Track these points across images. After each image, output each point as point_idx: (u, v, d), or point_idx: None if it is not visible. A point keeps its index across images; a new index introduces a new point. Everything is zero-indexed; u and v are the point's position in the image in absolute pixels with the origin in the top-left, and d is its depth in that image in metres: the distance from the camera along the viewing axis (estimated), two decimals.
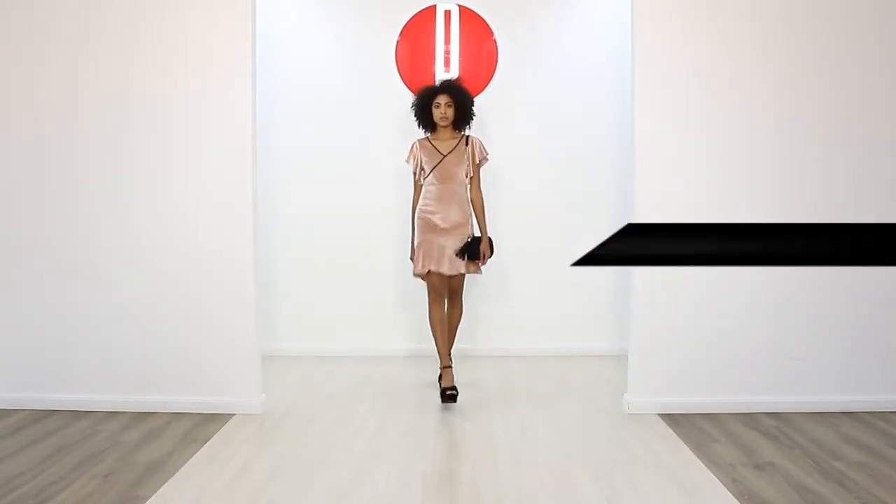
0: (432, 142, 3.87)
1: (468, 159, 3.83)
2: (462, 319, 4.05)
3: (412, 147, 3.90)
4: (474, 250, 3.80)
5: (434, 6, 4.67)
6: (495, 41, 4.68)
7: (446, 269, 3.77)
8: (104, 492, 2.55)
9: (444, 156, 3.81)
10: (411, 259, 3.88)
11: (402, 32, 4.68)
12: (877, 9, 3.41)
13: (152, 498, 2.51)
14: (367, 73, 4.72)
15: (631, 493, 2.57)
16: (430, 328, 3.86)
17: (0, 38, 3.46)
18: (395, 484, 2.66)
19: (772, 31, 3.41)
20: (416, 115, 3.89)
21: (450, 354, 3.86)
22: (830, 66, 3.42)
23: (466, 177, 3.84)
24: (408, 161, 3.91)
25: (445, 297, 3.90)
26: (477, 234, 3.87)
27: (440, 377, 3.75)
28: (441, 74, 4.62)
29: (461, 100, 3.83)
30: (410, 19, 4.67)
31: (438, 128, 3.85)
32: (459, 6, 4.66)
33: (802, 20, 3.41)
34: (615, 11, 4.59)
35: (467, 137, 3.87)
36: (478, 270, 3.87)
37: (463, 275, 3.85)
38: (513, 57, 4.68)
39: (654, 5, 3.40)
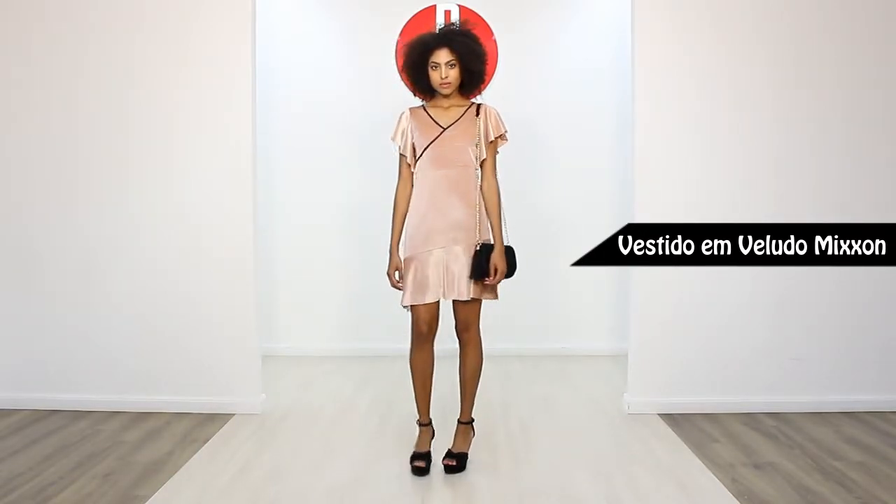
0: (429, 111, 2.80)
1: (480, 135, 2.76)
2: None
3: (400, 118, 2.83)
4: (480, 263, 2.72)
5: (434, 6, 4.67)
6: (495, 41, 4.67)
7: (451, 293, 2.73)
8: (104, 492, 2.55)
9: (444, 129, 2.76)
10: (389, 275, 2.90)
11: (402, 32, 4.68)
12: (875, 10, 3.41)
13: (152, 498, 2.51)
14: (367, 73, 4.72)
15: (631, 493, 2.57)
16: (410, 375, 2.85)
17: (3, 40, 3.46)
18: (395, 484, 2.66)
19: (771, 33, 3.41)
20: (408, 78, 2.83)
21: (470, 414, 2.88)
22: (829, 69, 3.42)
23: (478, 162, 2.78)
24: (394, 138, 2.84)
25: (434, 334, 2.79)
26: (488, 239, 2.80)
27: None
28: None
29: (467, 54, 2.72)
30: (410, 19, 4.67)
31: (438, 95, 2.79)
32: (459, 6, 4.66)
33: (801, 23, 3.41)
34: (615, 12, 4.58)
35: (478, 106, 2.81)
36: (490, 295, 2.77)
37: (475, 301, 2.75)
38: (513, 57, 4.67)
39: (655, 7, 3.40)
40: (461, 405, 2.88)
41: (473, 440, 2.91)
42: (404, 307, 2.80)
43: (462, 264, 2.72)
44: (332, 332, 4.72)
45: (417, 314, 2.75)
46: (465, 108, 2.79)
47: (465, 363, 2.83)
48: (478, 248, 2.74)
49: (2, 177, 3.50)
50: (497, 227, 2.79)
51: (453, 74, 2.71)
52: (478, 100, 2.86)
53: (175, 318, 3.47)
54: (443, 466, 2.77)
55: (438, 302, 2.75)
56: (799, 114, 3.43)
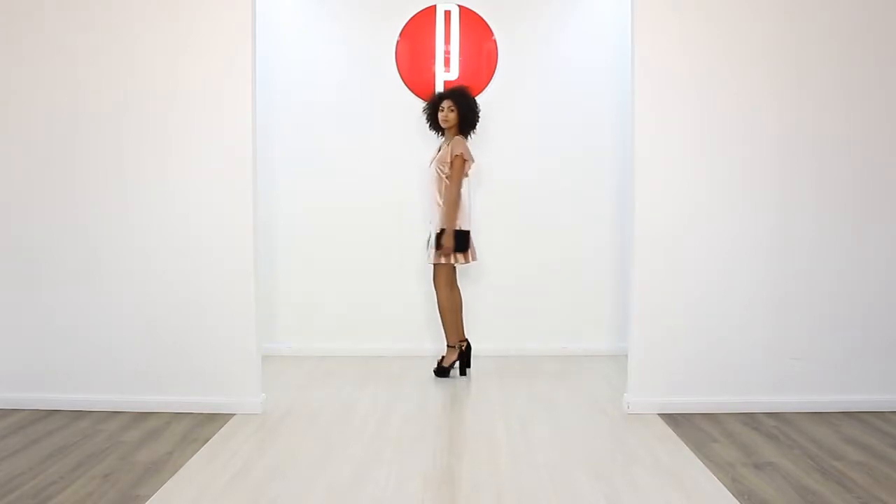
0: (442, 144, 4.22)
1: (446, 159, 4.09)
2: (457, 313, 4.24)
3: None
4: (437, 242, 4.07)
5: (434, 6, 4.67)
6: (495, 41, 4.68)
7: (427, 259, 4.22)
8: (104, 492, 2.55)
9: (435, 155, 4.18)
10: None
11: (402, 32, 4.68)
12: (875, 11, 3.42)
13: (152, 498, 2.51)
14: (367, 73, 4.72)
15: (631, 493, 2.57)
16: None
17: (3, 41, 3.46)
18: (395, 484, 2.66)
19: (771, 33, 3.41)
20: (426, 119, 4.23)
21: (450, 336, 4.22)
22: (830, 66, 3.42)
23: (445, 175, 4.08)
24: None
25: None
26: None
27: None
28: (441, 75, 4.64)
29: (464, 106, 4.10)
30: (410, 19, 4.67)
31: (445, 131, 4.17)
32: (459, 6, 4.66)
33: (801, 22, 3.42)
34: (615, 12, 4.60)
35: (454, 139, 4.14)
36: (437, 260, 4.08)
37: (436, 265, 4.13)
38: (513, 57, 4.68)
39: (655, 6, 3.40)
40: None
41: (474, 437, 2.96)
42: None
43: (432, 241, 4.13)
44: (332, 332, 4.73)
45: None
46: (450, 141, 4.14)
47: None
48: (437, 231, 4.08)
49: (2, 177, 3.50)
50: (445, 219, 4.06)
51: (452, 116, 4.12)
52: (473, 135, 4.22)
53: (175, 318, 3.47)
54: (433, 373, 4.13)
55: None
56: (798, 114, 3.42)
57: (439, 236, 4.05)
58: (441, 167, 4.09)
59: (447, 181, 4.06)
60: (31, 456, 2.89)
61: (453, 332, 4.21)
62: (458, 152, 4.04)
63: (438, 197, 4.10)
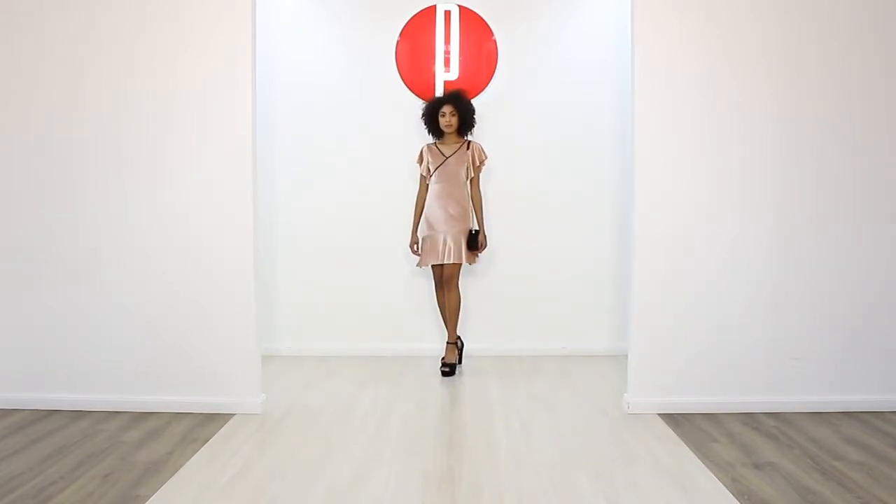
0: (438, 146, 4.35)
1: (468, 162, 4.29)
2: (462, 314, 4.39)
3: (421, 151, 4.39)
4: (473, 242, 4.27)
5: (434, 6, 4.67)
6: (495, 41, 4.67)
7: (443, 259, 4.23)
8: (104, 492, 2.55)
9: (447, 158, 4.28)
10: (410, 246, 4.39)
11: (402, 32, 4.68)
12: (875, 10, 3.41)
13: (152, 498, 2.51)
14: (368, 74, 4.72)
15: (631, 493, 2.57)
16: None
17: (3, 41, 3.45)
18: (395, 484, 2.66)
19: (771, 31, 3.41)
20: (424, 124, 4.36)
21: (455, 333, 4.36)
22: (830, 66, 3.42)
23: (467, 178, 4.31)
24: (417, 162, 4.40)
25: (444, 282, 4.33)
26: (476, 228, 4.33)
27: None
28: (441, 75, 4.66)
29: (463, 109, 4.29)
30: (410, 19, 4.67)
31: (444, 134, 4.32)
32: (459, 6, 4.66)
33: (801, 22, 3.41)
34: (615, 11, 4.60)
35: (469, 142, 4.32)
36: (472, 260, 4.31)
37: (456, 264, 4.26)
38: (513, 57, 4.68)
39: (655, 6, 3.40)
40: (447, 329, 4.36)
41: (474, 438, 3.00)
42: (418, 266, 4.39)
43: (453, 241, 4.24)
44: (332, 332, 4.73)
45: (434, 270, 4.38)
46: (460, 145, 4.34)
47: (449, 299, 4.31)
48: (473, 232, 4.30)
49: (2, 177, 3.50)
50: (482, 220, 4.36)
51: (454, 121, 4.30)
52: (470, 136, 4.40)
53: (175, 318, 3.47)
54: (440, 373, 4.22)
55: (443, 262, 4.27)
56: (799, 113, 3.42)
57: (474, 238, 4.27)
58: (466, 170, 4.30)
59: (469, 183, 4.33)
60: (31, 456, 2.89)
61: (455, 330, 4.35)
62: (485, 156, 4.35)
63: (462, 199, 4.28)
